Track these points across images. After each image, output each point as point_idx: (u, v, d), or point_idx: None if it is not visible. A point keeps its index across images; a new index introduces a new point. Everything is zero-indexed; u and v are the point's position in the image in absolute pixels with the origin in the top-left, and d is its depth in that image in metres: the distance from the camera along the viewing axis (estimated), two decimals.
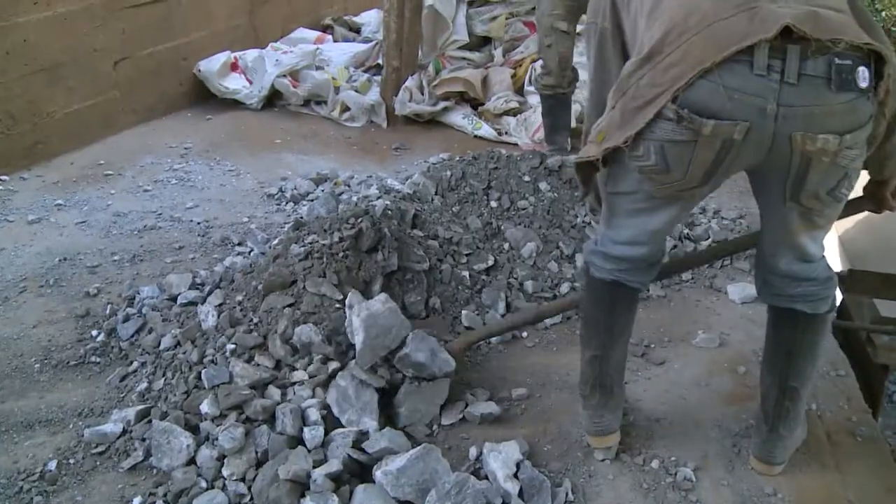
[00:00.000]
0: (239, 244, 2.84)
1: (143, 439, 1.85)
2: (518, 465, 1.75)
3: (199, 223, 3.03)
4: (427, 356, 1.91)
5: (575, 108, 3.79)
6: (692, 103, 1.34)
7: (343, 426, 1.87)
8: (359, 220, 2.23)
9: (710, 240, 2.84)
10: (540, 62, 3.34)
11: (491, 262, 2.49)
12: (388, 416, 1.93)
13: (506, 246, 2.56)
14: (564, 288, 2.46)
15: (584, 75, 3.78)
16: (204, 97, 4.40)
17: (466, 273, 2.43)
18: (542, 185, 2.78)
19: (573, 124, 3.71)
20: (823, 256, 1.64)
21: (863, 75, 1.30)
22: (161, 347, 2.14)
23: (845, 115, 1.33)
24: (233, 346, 2.02)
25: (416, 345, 1.91)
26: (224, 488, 1.72)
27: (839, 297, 2.92)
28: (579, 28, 3.63)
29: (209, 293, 2.29)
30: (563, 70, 3.21)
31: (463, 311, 2.33)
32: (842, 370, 2.23)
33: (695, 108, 1.34)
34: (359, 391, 1.90)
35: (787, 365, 1.71)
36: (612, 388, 1.81)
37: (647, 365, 2.20)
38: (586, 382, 1.81)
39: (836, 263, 3.22)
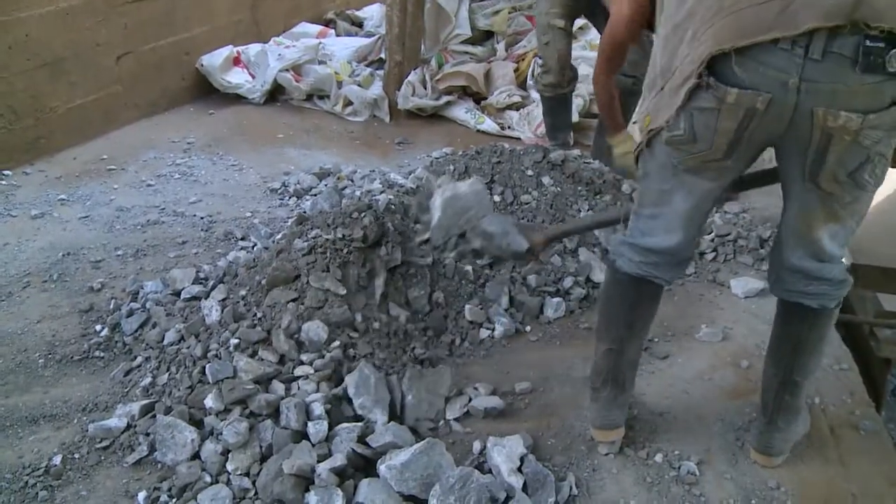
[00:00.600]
0: (242, 239, 2.84)
1: (148, 434, 1.85)
2: (522, 460, 1.76)
3: (202, 218, 3.04)
4: (499, 230, 1.86)
5: (577, 103, 3.78)
6: (718, 73, 1.36)
7: (352, 412, 1.89)
8: (362, 215, 2.23)
9: (712, 234, 2.83)
10: (540, 60, 3.33)
11: None
12: (392, 412, 1.93)
13: None
14: (568, 282, 2.46)
15: (584, 70, 3.78)
16: (206, 92, 4.40)
17: (469, 267, 2.42)
18: (545, 180, 2.77)
19: (575, 119, 3.70)
20: (842, 260, 1.61)
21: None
22: (165, 342, 2.15)
23: (869, 95, 1.31)
24: (236, 341, 2.02)
25: (491, 219, 1.87)
26: (228, 483, 1.72)
27: None
28: (580, 23, 3.62)
29: (213, 288, 2.30)
30: (562, 68, 3.19)
31: (466, 306, 2.33)
32: (845, 364, 2.22)
33: (721, 77, 1.35)
34: (378, 384, 1.93)
35: (792, 359, 1.71)
36: (623, 384, 1.81)
37: (651, 359, 2.20)
38: (598, 375, 1.80)
39: None
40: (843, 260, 1.63)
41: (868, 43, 1.25)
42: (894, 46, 1.25)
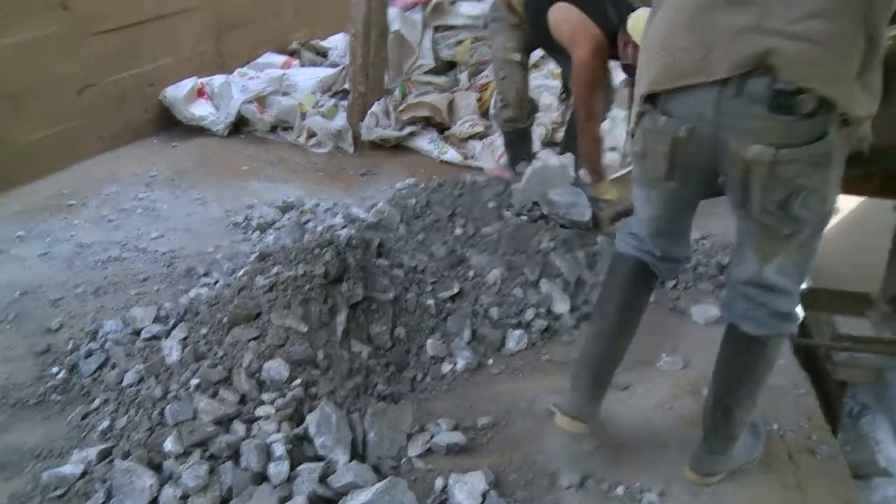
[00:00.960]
0: (205, 275, 2.81)
1: (105, 480, 1.81)
2: (484, 496, 1.76)
3: (164, 253, 3.00)
4: (565, 199, 1.99)
5: (539, 132, 3.82)
6: (656, 101, 1.52)
7: (314, 452, 1.87)
8: (323, 251, 2.24)
9: None
10: (498, 95, 3.36)
11: (456, 290, 2.50)
12: (354, 450, 1.92)
13: (471, 273, 2.57)
14: (529, 314, 2.47)
15: (547, 99, 3.83)
16: (170, 124, 4.36)
17: (432, 301, 2.43)
18: (506, 212, 2.79)
19: (537, 148, 3.74)
20: (792, 293, 1.64)
21: (806, 103, 1.33)
22: (124, 383, 2.12)
23: (783, 132, 1.37)
24: (197, 381, 2.00)
25: (560, 191, 2.01)
26: None
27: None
28: (539, 54, 3.66)
29: (173, 326, 2.28)
30: (520, 101, 3.20)
31: (428, 340, 2.34)
32: (802, 388, 2.26)
33: (657, 104, 1.52)
34: (340, 423, 1.92)
35: (722, 378, 1.78)
36: (602, 380, 1.89)
37: (612, 389, 2.19)
38: (583, 365, 1.88)
39: None
40: (797, 293, 1.65)
41: (778, 86, 1.33)
42: (803, 92, 1.32)
